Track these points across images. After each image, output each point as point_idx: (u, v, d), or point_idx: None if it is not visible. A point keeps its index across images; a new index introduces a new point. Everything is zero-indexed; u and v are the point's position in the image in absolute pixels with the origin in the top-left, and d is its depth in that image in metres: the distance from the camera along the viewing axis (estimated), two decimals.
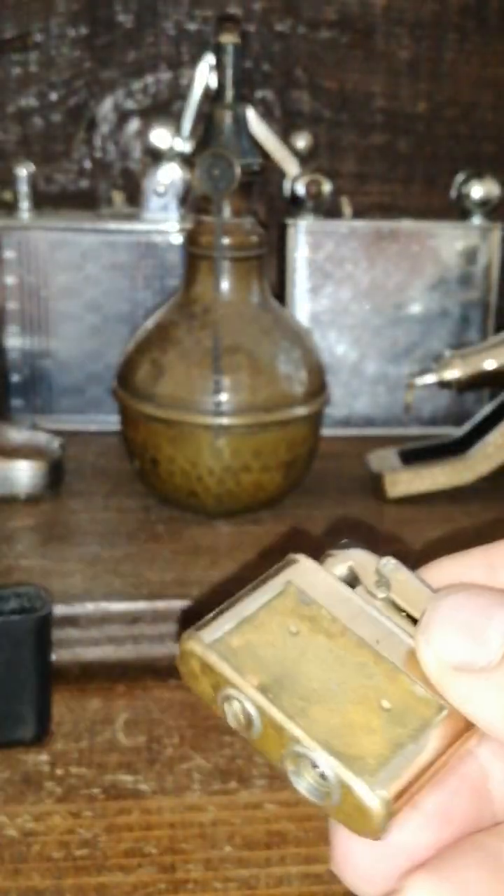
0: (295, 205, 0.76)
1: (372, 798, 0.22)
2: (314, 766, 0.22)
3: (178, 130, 0.74)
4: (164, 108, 0.85)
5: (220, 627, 0.23)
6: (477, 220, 0.77)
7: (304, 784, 0.22)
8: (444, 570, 0.26)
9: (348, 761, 0.22)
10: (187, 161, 0.74)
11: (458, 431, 0.72)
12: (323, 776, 0.22)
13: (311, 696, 0.23)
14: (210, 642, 0.23)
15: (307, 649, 0.23)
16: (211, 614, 0.23)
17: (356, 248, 0.76)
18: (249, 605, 0.24)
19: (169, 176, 0.75)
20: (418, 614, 0.24)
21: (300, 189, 0.75)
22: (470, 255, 0.77)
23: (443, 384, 0.68)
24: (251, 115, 0.64)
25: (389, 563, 0.25)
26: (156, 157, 0.75)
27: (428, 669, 0.23)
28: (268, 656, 0.23)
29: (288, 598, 0.24)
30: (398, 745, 0.22)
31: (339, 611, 0.24)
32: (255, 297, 0.63)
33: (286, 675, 0.23)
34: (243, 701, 0.22)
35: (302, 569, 0.25)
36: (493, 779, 0.24)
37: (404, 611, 0.24)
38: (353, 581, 0.25)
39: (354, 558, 0.25)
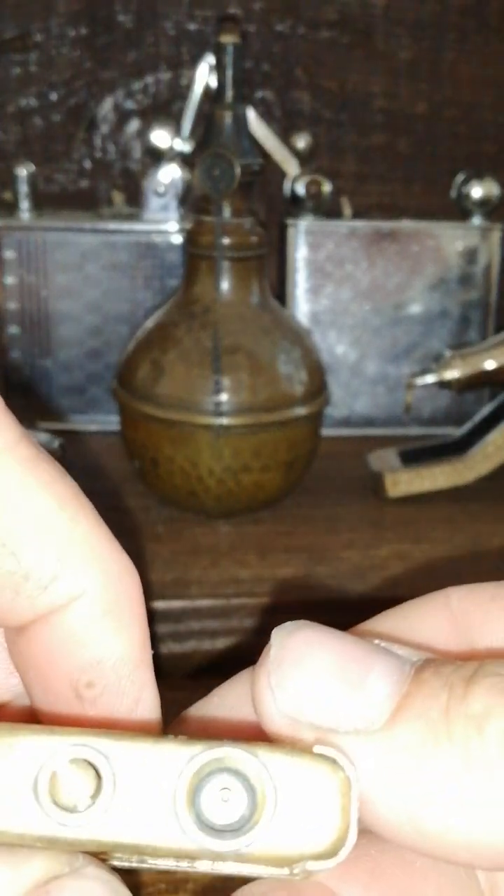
0: (295, 205, 0.76)
1: (335, 773, 0.16)
2: (227, 783, 0.16)
3: (178, 130, 0.74)
4: (164, 108, 0.85)
5: None
6: (477, 221, 0.77)
7: (202, 832, 0.16)
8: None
9: (280, 749, 0.17)
10: (187, 161, 0.74)
11: (458, 431, 0.72)
12: (249, 785, 0.16)
13: None
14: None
15: None
16: None
17: (356, 248, 0.76)
18: None
19: (169, 176, 0.75)
20: None
21: (300, 189, 0.75)
22: (470, 256, 0.77)
23: (443, 384, 0.68)
24: (251, 115, 0.64)
25: None
26: (156, 157, 0.75)
27: (272, 724, 0.18)
28: None
29: None
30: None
31: None
32: (255, 297, 0.63)
33: None
34: (98, 756, 0.16)
35: None
36: None
37: None
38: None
39: None
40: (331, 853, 0.16)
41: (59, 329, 0.76)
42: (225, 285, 0.62)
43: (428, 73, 0.87)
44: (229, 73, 0.62)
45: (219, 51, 0.62)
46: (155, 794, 0.16)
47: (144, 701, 0.20)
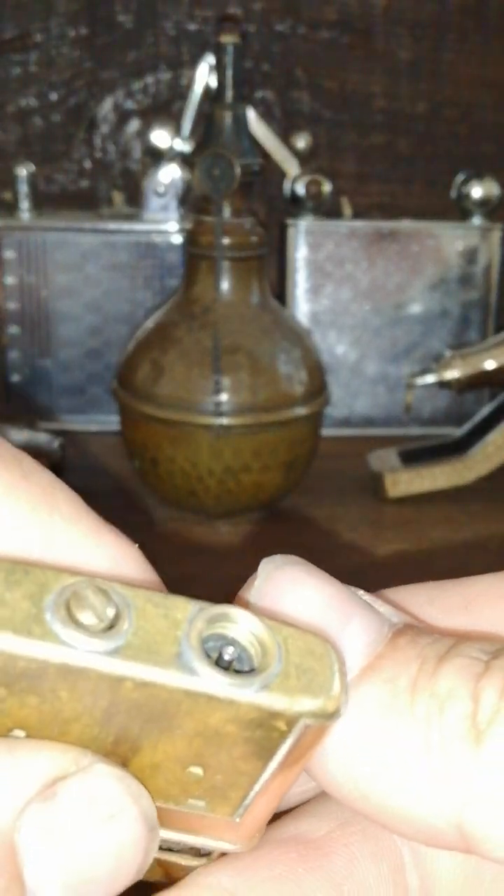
0: (295, 205, 0.76)
1: (331, 648, 0.17)
2: (236, 636, 0.17)
3: (178, 130, 0.74)
4: (164, 108, 0.85)
5: None
6: (477, 221, 0.77)
7: (213, 671, 0.16)
8: None
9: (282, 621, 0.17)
10: (187, 161, 0.74)
11: (458, 431, 0.72)
12: (257, 640, 0.17)
13: None
14: None
15: None
16: None
17: (356, 248, 0.76)
18: None
19: (169, 176, 0.75)
20: None
21: (300, 189, 0.75)
22: (470, 255, 0.77)
23: (443, 384, 0.68)
24: (251, 115, 0.64)
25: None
26: (156, 157, 0.75)
27: None
28: None
29: None
30: None
31: None
32: (255, 297, 0.63)
33: None
34: (99, 590, 0.16)
35: None
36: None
37: None
38: None
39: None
40: (331, 713, 0.16)
41: (59, 329, 0.76)
42: (225, 285, 0.62)
43: (428, 73, 0.87)
44: (229, 73, 0.62)
45: (219, 51, 0.62)
46: (168, 634, 0.16)
47: None
